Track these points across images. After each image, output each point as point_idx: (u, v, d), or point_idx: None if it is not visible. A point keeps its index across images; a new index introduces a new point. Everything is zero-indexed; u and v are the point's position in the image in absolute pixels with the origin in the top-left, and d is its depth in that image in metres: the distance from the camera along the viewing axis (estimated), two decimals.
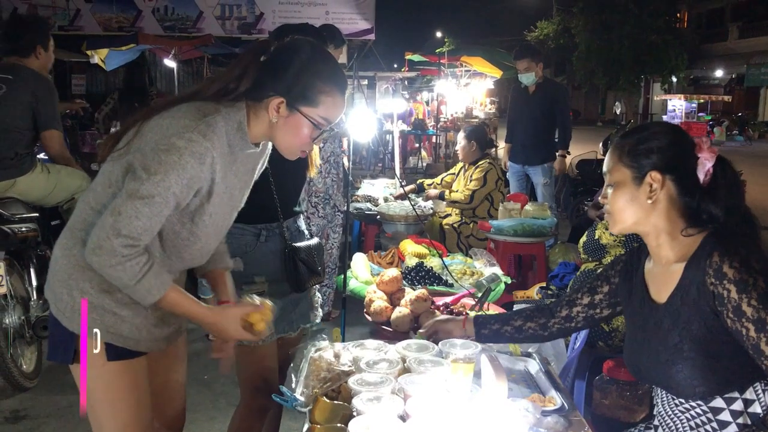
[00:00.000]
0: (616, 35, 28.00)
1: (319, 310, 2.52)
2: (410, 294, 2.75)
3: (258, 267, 2.28)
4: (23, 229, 3.52)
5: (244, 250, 2.27)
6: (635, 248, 1.90)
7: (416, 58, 14.39)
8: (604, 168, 1.77)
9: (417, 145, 13.43)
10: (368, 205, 5.17)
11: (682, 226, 1.67)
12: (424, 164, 12.52)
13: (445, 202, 5.28)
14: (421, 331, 2.17)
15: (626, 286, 1.87)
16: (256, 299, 1.88)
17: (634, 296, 1.82)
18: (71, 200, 3.85)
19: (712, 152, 1.66)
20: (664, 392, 1.75)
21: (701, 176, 1.65)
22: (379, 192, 5.80)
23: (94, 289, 1.72)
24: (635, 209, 1.69)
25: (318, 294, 2.55)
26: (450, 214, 5.37)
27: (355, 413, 1.50)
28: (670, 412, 1.72)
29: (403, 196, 5.46)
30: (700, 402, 1.63)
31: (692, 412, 1.65)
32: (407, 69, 15.74)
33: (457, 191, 5.29)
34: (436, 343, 1.97)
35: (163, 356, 1.96)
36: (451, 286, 3.28)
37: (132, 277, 1.64)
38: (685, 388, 1.63)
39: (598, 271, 2.06)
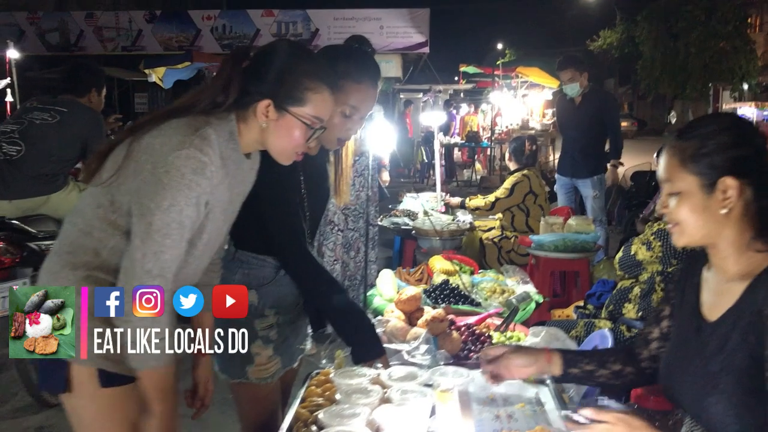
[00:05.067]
0: (683, 43, 27.12)
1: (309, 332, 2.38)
2: (428, 314, 2.61)
3: (272, 300, 2.12)
4: (52, 246, 3.55)
5: (261, 282, 2.11)
6: (694, 252, 1.66)
7: (471, 70, 14.27)
8: (662, 175, 1.54)
9: (471, 158, 13.24)
10: (405, 219, 5.05)
11: (752, 236, 1.46)
12: (479, 177, 12.32)
13: (466, 210, 5.16)
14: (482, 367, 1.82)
15: (679, 294, 1.66)
16: None
17: (685, 305, 1.62)
18: None
19: None
20: (692, 425, 1.55)
21: None
22: (426, 206, 5.66)
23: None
24: (706, 221, 1.47)
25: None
26: (493, 228, 5.21)
27: None
28: None
29: (449, 208, 5.36)
30: None
31: None
32: (462, 81, 15.60)
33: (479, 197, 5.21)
34: (498, 382, 1.72)
35: None
36: (479, 305, 3.13)
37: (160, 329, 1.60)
38: (716, 424, 1.43)
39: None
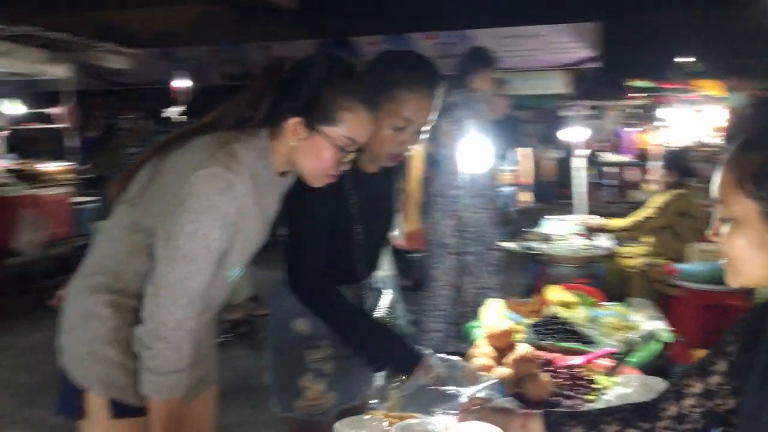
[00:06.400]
0: None
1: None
2: (515, 352, 2.31)
3: (325, 329, 1.96)
4: None
5: None
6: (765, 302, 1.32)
7: (642, 84, 13.42)
8: (715, 194, 1.24)
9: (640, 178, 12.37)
10: (537, 244, 4.68)
11: None
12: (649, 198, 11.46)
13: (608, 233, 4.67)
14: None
15: (747, 354, 1.30)
16: None
17: (755, 369, 1.26)
18: None
19: None
20: None
21: None
22: (564, 229, 5.25)
23: (101, 338, 1.59)
24: (765, 258, 1.16)
25: None
26: (640, 255, 4.71)
27: None
28: None
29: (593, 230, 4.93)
30: None
31: None
32: (632, 96, 14.70)
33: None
34: None
35: (184, 412, 1.78)
36: (592, 343, 2.76)
37: (180, 362, 1.53)
38: None
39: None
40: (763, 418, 1.17)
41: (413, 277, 5.84)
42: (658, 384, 1.81)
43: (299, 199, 1.80)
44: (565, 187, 14.09)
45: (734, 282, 1.22)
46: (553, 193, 13.47)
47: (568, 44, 14.22)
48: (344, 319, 1.89)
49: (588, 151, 5.49)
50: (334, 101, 1.58)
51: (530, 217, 5.57)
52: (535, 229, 5.17)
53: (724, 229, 1.21)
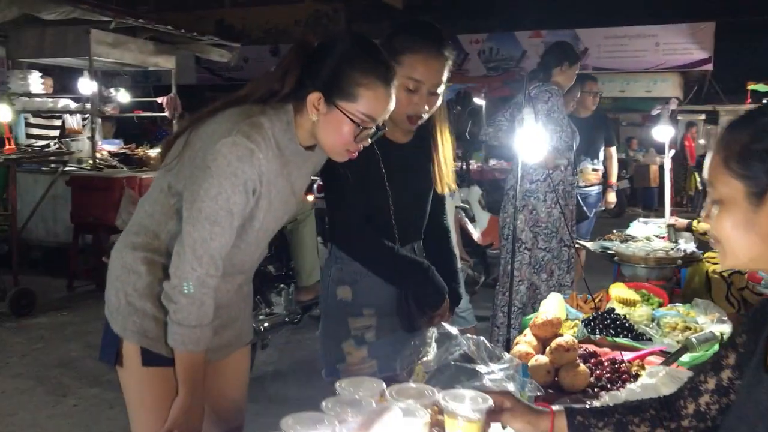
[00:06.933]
0: None
1: (434, 345, 2.22)
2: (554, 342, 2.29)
3: (368, 298, 2.08)
4: None
5: (354, 278, 2.08)
6: None
7: (761, 88, 12.72)
8: (705, 175, 1.22)
9: None
10: (613, 244, 4.54)
11: None
12: None
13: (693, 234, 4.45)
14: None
15: (751, 343, 1.27)
16: None
17: (756, 357, 1.23)
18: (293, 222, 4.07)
19: None
20: None
21: None
22: (649, 231, 5.07)
23: (138, 292, 1.72)
24: (753, 239, 1.13)
25: (434, 329, 2.25)
26: None
27: None
28: None
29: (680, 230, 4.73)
30: None
31: None
32: (750, 101, 13.93)
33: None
34: None
35: (217, 368, 1.89)
36: (648, 340, 2.68)
37: (202, 317, 1.64)
38: None
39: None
40: (755, 394, 1.14)
41: (491, 273, 5.81)
42: (686, 376, 1.76)
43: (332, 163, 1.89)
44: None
45: (725, 264, 1.20)
46: (655, 199, 12.98)
47: (680, 45, 13.62)
48: (378, 253, 2.02)
49: (672, 152, 5.25)
50: (352, 78, 1.63)
51: (624, 219, 5.39)
52: (620, 230, 5.04)
53: (715, 211, 1.17)
